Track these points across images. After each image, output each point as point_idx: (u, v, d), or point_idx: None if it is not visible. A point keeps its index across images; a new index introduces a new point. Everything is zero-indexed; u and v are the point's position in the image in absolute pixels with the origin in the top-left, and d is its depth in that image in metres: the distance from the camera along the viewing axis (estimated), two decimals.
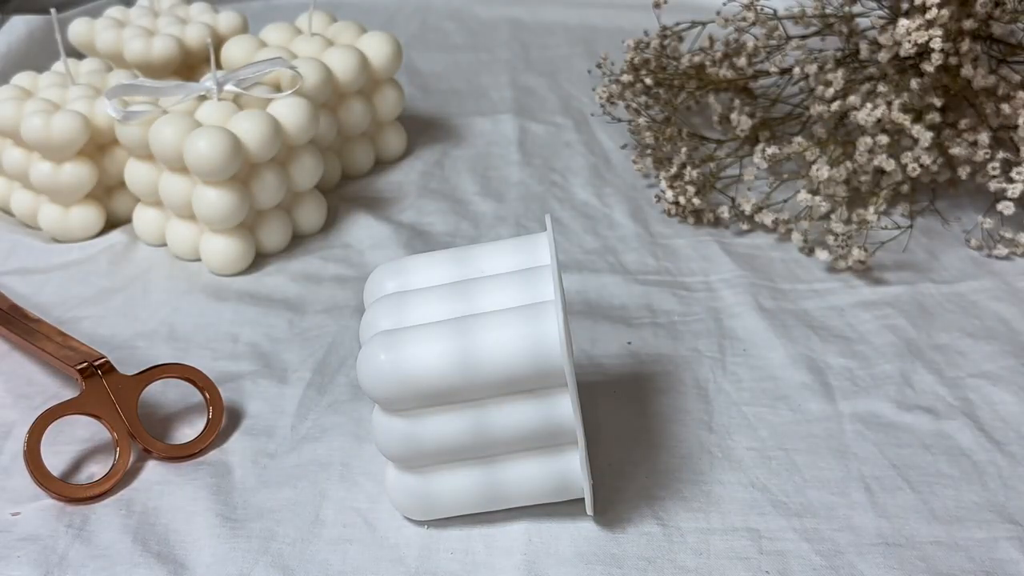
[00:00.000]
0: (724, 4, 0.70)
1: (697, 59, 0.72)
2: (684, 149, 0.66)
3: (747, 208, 0.63)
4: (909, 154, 0.61)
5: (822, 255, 0.59)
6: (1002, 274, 0.60)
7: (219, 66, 0.66)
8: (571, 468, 0.41)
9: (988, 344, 0.54)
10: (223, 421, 0.49)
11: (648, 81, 0.71)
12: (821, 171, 0.60)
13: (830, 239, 0.59)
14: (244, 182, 0.59)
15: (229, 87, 0.60)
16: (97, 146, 0.63)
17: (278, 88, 0.63)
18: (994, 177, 0.61)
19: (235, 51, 0.67)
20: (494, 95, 0.84)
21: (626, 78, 0.72)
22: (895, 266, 0.60)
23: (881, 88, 0.62)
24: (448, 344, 0.38)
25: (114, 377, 0.48)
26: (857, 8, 0.69)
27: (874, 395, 0.50)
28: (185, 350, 0.54)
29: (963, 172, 0.62)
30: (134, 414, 0.47)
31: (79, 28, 0.71)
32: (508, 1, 1.03)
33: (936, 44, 0.58)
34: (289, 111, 0.60)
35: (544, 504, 0.43)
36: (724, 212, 0.64)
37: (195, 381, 0.49)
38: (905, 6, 0.65)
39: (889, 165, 0.60)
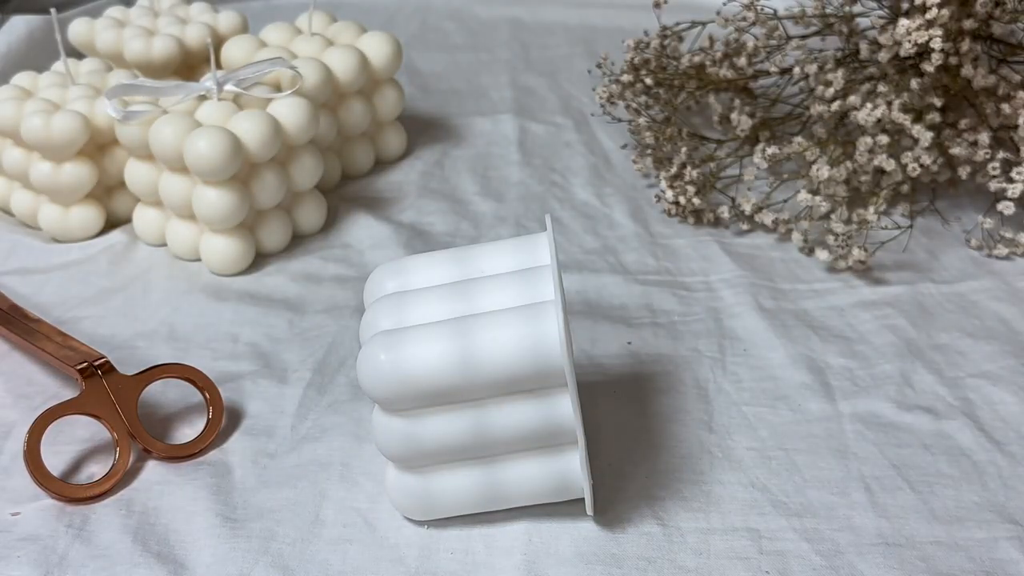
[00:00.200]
0: (724, 4, 0.70)
1: (697, 59, 0.72)
2: (684, 149, 0.66)
3: (747, 208, 0.63)
4: (909, 154, 0.61)
5: (822, 255, 0.59)
6: (1002, 274, 0.60)
7: (219, 66, 0.66)
8: (571, 468, 0.41)
9: (988, 344, 0.54)
10: (223, 421, 0.49)
11: (648, 81, 0.71)
12: (821, 171, 0.60)
13: (830, 239, 0.59)
14: (244, 182, 0.59)
15: (229, 87, 0.60)
16: (97, 146, 0.63)
17: (278, 88, 0.63)
18: (994, 177, 0.61)
19: (235, 51, 0.67)
20: (494, 95, 0.84)
21: (626, 78, 0.72)
22: (895, 266, 0.60)
23: (881, 88, 0.62)
24: (448, 344, 0.38)
25: (114, 377, 0.48)
26: (857, 8, 0.69)
27: (874, 395, 0.50)
28: (185, 350, 0.54)
29: (963, 172, 0.62)
30: (134, 414, 0.47)
31: (79, 28, 0.71)
32: (508, 1, 1.03)
33: (936, 44, 0.58)
34: (289, 111, 0.60)
35: (544, 504, 0.43)
36: (724, 212, 0.64)
37: (195, 381, 0.49)
38: (905, 6, 0.65)
39: (889, 165, 0.60)
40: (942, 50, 0.59)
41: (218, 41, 0.69)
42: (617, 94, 0.72)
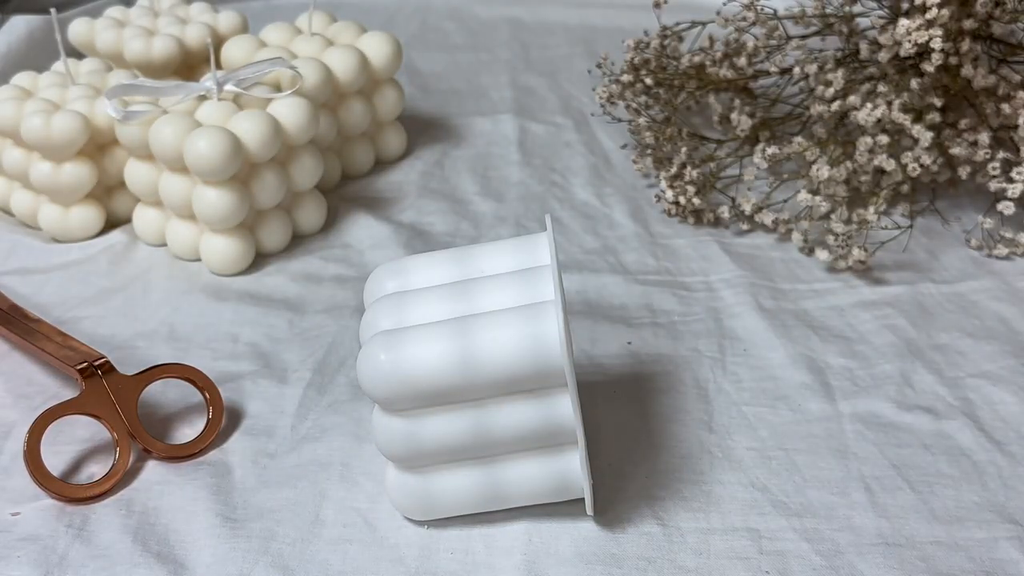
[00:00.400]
0: (724, 4, 0.70)
1: (697, 59, 0.72)
2: (684, 149, 0.66)
3: (747, 208, 0.63)
4: (909, 154, 0.61)
5: (822, 255, 0.59)
6: (1002, 274, 0.60)
7: (219, 66, 0.66)
8: (571, 468, 0.41)
9: (988, 344, 0.54)
10: (223, 421, 0.49)
11: (648, 81, 0.71)
12: (821, 171, 0.60)
13: (830, 239, 0.59)
14: (244, 182, 0.59)
15: (229, 87, 0.60)
16: (97, 146, 0.63)
17: (278, 88, 0.63)
18: (994, 177, 0.61)
19: (235, 51, 0.67)
20: (494, 95, 0.84)
21: (626, 78, 0.72)
22: (895, 266, 0.60)
23: (881, 88, 0.62)
24: (448, 344, 0.38)
25: (114, 377, 0.48)
26: (857, 8, 0.69)
27: (874, 395, 0.50)
28: (185, 350, 0.54)
29: (963, 172, 0.62)
30: (134, 414, 0.47)
31: (79, 28, 0.71)
32: (508, 1, 1.03)
33: (936, 44, 0.58)
34: (289, 111, 0.60)
35: (544, 504, 0.43)
36: (724, 212, 0.64)
37: (195, 381, 0.49)
38: (905, 6, 0.65)
39: (889, 165, 0.60)
40: (942, 50, 0.59)
41: (218, 41, 0.69)
42: (617, 94, 0.72)
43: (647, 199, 0.68)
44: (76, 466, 0.47)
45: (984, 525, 0.43)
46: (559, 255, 0.57)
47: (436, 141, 0.76)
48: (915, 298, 0.57)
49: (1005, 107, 0.62)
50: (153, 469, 0.47)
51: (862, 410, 0.49)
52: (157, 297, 0.59)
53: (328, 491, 0.45)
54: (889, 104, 0.60)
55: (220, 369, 0.52)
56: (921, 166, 0.61)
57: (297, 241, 0.64)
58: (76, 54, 0.73)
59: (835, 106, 0.63)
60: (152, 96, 0.61)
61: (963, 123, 0.63)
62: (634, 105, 0.71)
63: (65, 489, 0.44)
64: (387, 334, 0.39)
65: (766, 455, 0.46)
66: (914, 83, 0.61)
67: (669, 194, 0.64)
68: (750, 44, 0.70)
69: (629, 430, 0.48)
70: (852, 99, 0.62)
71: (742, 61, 0.71)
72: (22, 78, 0.66)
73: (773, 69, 0.71)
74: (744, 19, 0.68)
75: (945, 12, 0.58)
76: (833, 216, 0.60)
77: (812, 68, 0.66)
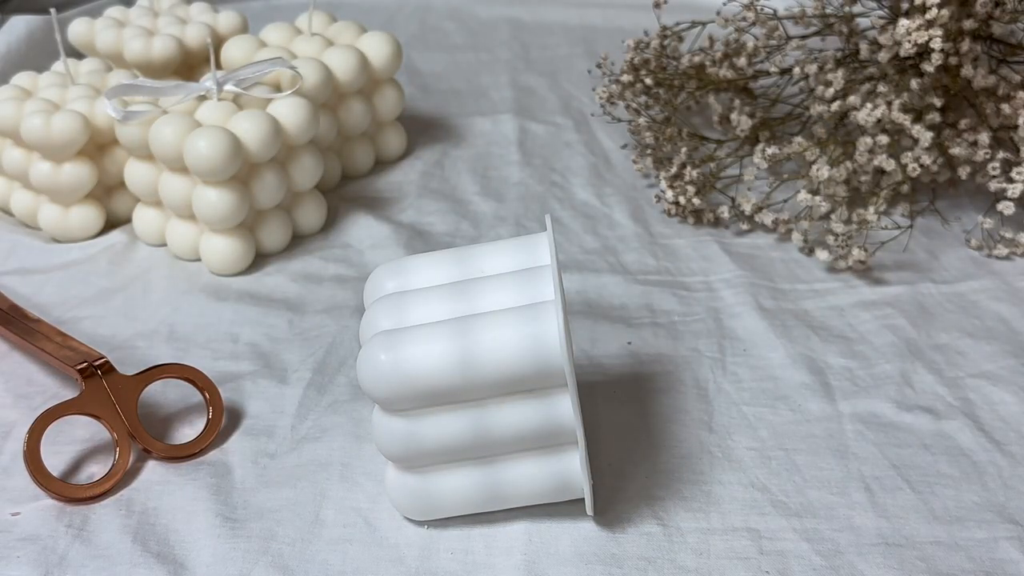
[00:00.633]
0: (724, 4, 0.70)
1: (697, 59, 0.72)
2: (684, 149, 0.66)
3: (747, 208, 0.63)
4: (909, 154, 0.61)
5: (822, 255, 0.59)
6: (1002, 274, 0.60)
7: (219, 66, 0.66)
8: (571, 468, 0.41)
9: (988, 344, 0.54)
10: (223, 421, 0.49)
11: (648, 81, 0.71)
12: (821, 171, 0.60)
13: (830, 239, 0.59)
14: (244, 182, 0.59)
15: (229, 87, 0.60)
16: (97, 146, 0.63)
17: (278, 88, 0.63)
18: (994, 177, 0.61)
19: (235, 51, 0.67)
20: (494, 95, 0.84)
21: (626, 78, 0.72)
22: (895, 266, 0.60)
23: (881, 88, 0.62)
24: (448, 344, 0.38)
25: (114, 377, 0.48)
26: (857, 8, 0.69)
27: (874, 395, 0.50)
28: (185, 350, 0.54)
29: (963, 172, 0.62)
30: (134, 414, 0.47)
31: (79, 28, 0.71)
32: (508, 1, 1.03)
33: (936, 44, 0.58)
34: (289, 111, 0.60)
35: (544, 504, 0.43)
36: (724, 212, 0.64)
37: (195, 381, 0.49)
38: (905, 6, 0.65)
39: (889, 165, 0.60)
40: (942, 50, 0.59)
41: (218, 41, 0.69)
42: (617, 94, 0.72)
43: (647, 199, 0.68)
44: (76, 466, 0.47)
45: (984, 525, 0.43)
46: (559, 255, 0.57)
47: (436, 141, 0.76)
48: (915, 298, 0.57)
49: (1005, 107, 0.62)
50: (153, 469, 0.47)
51: (862, 410, 0.49)
52: (157, 297, 0.59)
53: (328, 491, 0.45)
54: (889, 104, 0.60)
55: (220, 369, 0.52)
56: (921, 166, 0.61)
57: (297, 241, 0.64)
58: (76, 54, 0.73)
59: (835, 106, 0.63)
60: (152, 96, 0.61)
61: (963, 123, 0.63)
62: (634, 105, 0.71)
63: (65, 489, 0.44)
64: (387, 334, 0.39)
65: (766, 455, 0.46)
66: (914, 83, 0.61)
67: (669, 194, 0.64)
68: (750, 44, 0.70)
69: (629, 430, 0.48)
70: (852, 99, 0.62)
71: (742, 61, 0.71)
72: (22, 78, 0.66)
73: (773, 69, 0.71)
74: (744, 19, 0.68)
75: (945, 12, 0.58)
76: (833, 216, 0.60)
77: (812, 68, 0.66)
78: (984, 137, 0.61)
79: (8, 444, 0.48)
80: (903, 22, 0.59)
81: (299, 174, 0.62)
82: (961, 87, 0.63)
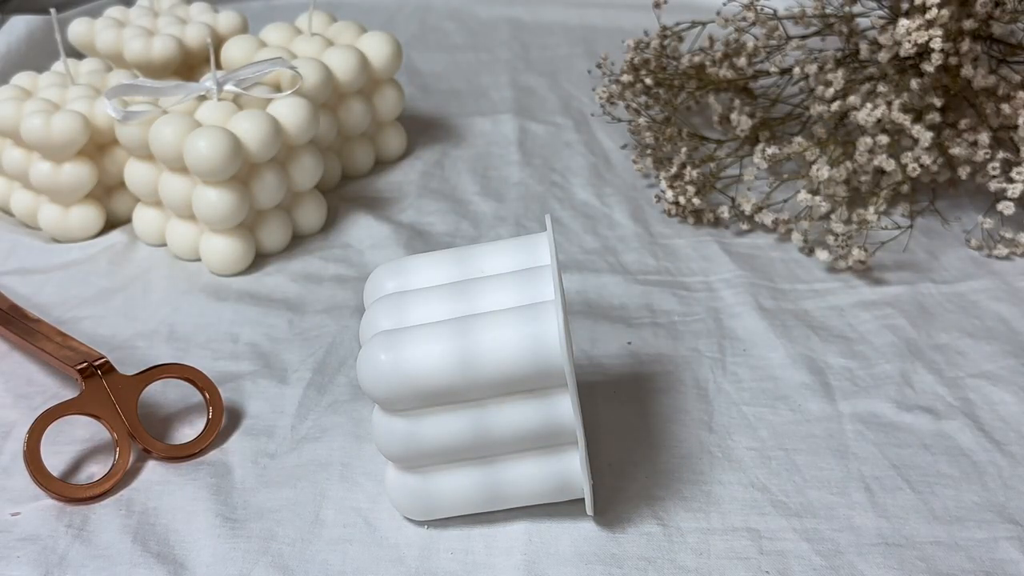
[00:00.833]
0: (724, 4, 0.70)
1: (697, 59, 0.72)
2: (684, 149, 0.66)
3: (747, 208, 0.63)
4: (909, 154, 0.61)
5: (822, 255, 0.59)
6: (1002, 274, 0.60)
7: (219, 66, 0.66)
8: (571, 468, 0.41)
9: (988, 344, 0.54)
10: (223, 421, 0.49)
11: (648, 81, 0.71)
12: (821, 171, 0.60)
13: (830, 239, 0.59)
14: (244, 182, 0.59)
15: (229, 87, 0.60)
16: (97, 146, 0.63)
17: (278, 88, 0.63)
18: (994, 177, 0.61)
19: (235, 51, 0.67)
20: (494, 95, 0.84)
21: (626, 78, 0.72)
22: (895, 266, 0.60)
23: (881, 88, 0.62)
24: (448, 344, 0.38)
25: (114, 377, 0.48)
26: (857, 8, 0.69)
27: (874, 395, 0.50)
28: (185, 350, 0.54)
29: (963, 172, 0.62)
30: (134, 414, 0.47)
31: (79, 28, 0.71)
32: (508, 1, 1.03)
33: (936, 44, 0.58)
34: (289, 111, 0.60)
35: (544, 504, 0.43)
36: (724, 212, 0.64)
37: (195, 381, 0.49)
38: (905, 6, 0.65)
39: (889, 165, 0.60)
40: (942, 50, 0.59)
41: (218, 41, 0.69)
42: (617, 94, 0.72)
43: (647, 199, 0.68)
44: (76, 466, 0.47)
45: (984, 525, 0.43)
46: (559, 255, 0.57)
47: (436, 141, 0.76)
48: (915, 298, 0.57)
49: (1005, 107, 0.62)
50: (153, 469, 0.47)
51: (862, 410, 0.49)
52: (157, 297, 0.59)
53: (328, 491, 0.45)
54: (889, 104, 0.60)
55: (220, 369, 0.52)
56: (921, 166, 0.61)
57: (297, 241, 0.64)
58: (76, 54, 0.73)
59: (835, 106, 0.63)
60: (152, 96, 0.61)
61: (963, 123, 0.63)
62: (634, 105, 0.71)
63: (65, 489, 0.44)
64: (387, 334, 0.39)
65: (766, 455, 0.46)
66: (914, 83, 0.61)
67: (669, 194, 0.64)
68: (750, 44, 0.70)
69: (629, 430, 0.48)
70: (852, 99, 0.62)
71: (742, 61, 0.71)
72: (22, 78, 0.66)
73: (773, 69, 0.71)
74: (744, 19, 0.68)
75: (945, 12, 0.58)
76: (833, 216, 0.60)
77: (812, 68, 0.66)
78: (984, 137, 0.61)
79: (8, 444, 0.48)
80: (903, 22, 0.59)
81: (299, 174, 0.62)
82: (961, 87, 0.63)
